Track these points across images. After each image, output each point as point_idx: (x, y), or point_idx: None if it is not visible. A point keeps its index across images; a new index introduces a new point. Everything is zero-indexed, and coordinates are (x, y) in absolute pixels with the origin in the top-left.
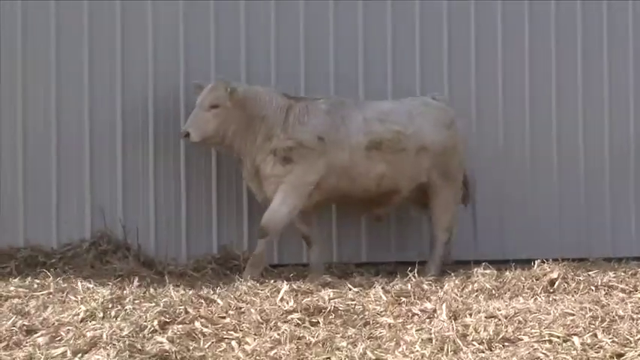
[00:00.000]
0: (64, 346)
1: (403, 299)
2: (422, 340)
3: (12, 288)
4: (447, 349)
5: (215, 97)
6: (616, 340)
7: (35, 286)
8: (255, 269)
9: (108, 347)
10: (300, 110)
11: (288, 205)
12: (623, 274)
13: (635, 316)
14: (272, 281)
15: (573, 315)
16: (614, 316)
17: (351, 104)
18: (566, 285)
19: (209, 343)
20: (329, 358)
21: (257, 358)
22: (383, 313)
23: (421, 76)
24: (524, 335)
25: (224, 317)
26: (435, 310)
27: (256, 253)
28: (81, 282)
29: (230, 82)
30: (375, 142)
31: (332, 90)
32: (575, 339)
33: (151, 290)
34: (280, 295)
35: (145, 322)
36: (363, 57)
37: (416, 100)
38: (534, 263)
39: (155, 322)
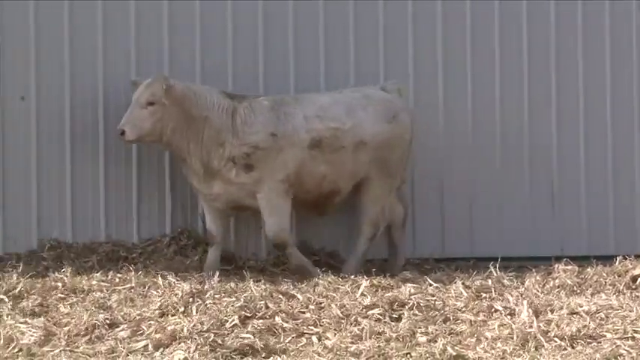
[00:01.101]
0: (145, 340)
1: (484, 295)
2: (503, 336)
3: (94, 282)
4: (529, 346)
5: (151, 94)
6: None
7: (117, 280)
8: (308, 275)
9: (188, 341)
10: (245, 111)
11: (278, 211)
12: None
13: None
14: (352, 276)
15: None
16: None
17: (290, 101)
18: None
19: (289, 337)
20: (409, 353)
21: (337, 353)
22: (463, 308)
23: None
24: (606, 332)
25: (304, 312)
26: (516, 306)
27: (295, 265)
28: (165, 276)
29: (167, 79)
30: (316, 140)
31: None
32: None
33: (232, 285)
34: (360, 290)
35: (226, 316)
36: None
37: (357, 91)
38: (616, 260)
39: (235, 317)
